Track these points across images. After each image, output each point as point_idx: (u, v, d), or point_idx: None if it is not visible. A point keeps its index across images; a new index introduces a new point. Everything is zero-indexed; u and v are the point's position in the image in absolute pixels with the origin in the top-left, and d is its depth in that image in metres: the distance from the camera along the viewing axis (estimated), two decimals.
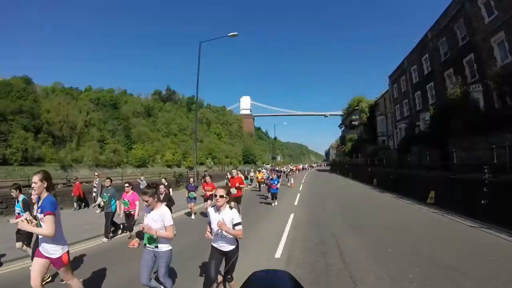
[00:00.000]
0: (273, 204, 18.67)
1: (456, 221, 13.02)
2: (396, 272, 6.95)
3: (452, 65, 28.27)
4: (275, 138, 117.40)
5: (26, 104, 74.58)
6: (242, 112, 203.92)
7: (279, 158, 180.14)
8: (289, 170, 52.91)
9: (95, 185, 19.10)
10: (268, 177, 22.03)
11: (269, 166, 67.36)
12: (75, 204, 18.57)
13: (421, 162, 23.62)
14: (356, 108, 69.60)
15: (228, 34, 24.43)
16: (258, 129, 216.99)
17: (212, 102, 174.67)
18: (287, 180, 27.24)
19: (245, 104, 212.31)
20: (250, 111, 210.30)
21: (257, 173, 32.28)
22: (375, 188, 29.55)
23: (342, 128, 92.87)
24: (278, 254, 8.71)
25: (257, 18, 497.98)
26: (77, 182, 19.85)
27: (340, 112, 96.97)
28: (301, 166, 67.02)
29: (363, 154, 52.49)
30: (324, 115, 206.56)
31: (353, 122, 73.14)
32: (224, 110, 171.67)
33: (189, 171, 61.26)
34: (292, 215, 14.84)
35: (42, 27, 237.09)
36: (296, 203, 19.91)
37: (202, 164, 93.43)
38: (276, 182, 19.03)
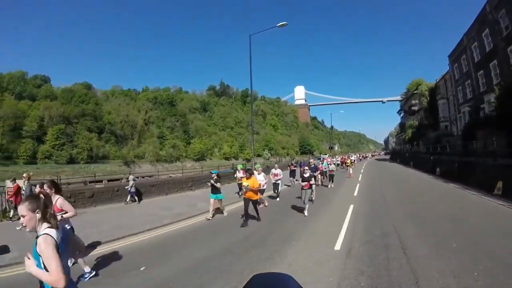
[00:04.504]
0: (305, 214, 12.97)
1: None
2: (460, 268, 6.63)
3: None
4: (332, 127, 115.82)
5: (88, 108, 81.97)
6: (297, 102, 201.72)
7: (336, 148, 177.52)
8: (336, 162, 39.55)
9: (24, 188, 14.14)
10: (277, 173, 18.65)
11: (327, 156, 66.19)
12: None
13: (488, 148, 22.34)
14: (415, 92, 65.94)
15: (277, 24, 24.14)
16: (314, 118, 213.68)
17: (266, 94, 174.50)
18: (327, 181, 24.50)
19: (300, 94, 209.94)
20: (305, 100, 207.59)
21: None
22: (438, 177, 28.19)
23: (401, 114, 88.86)
24: (337, 246, 8.60)
25: (307, 5, 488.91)
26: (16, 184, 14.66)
27: (399, 97, 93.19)
28: (353, 157, 52.92)
29: (425, 142, 49.94)
30: (382, 101, 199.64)
31: (412, 108, 69.24)
32: (279, 101, 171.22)
33: (246, 163, 61.95)
34: (351, 206, 14.54)
35: (98, 34, 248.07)
36: (355, 193, 19.49)
37: (259, 155, 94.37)
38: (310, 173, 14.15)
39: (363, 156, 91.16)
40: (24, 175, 12.53)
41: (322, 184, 23.58)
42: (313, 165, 19.34)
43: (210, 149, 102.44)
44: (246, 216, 11.70)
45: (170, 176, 33.24)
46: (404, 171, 39.08)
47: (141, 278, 7.05)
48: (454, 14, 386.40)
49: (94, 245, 9.77)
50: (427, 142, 46.36)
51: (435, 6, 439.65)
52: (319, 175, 22.99)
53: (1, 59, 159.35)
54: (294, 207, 14.83)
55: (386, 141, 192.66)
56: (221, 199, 13.58)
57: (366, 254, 7.82)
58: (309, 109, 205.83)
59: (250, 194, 11.75)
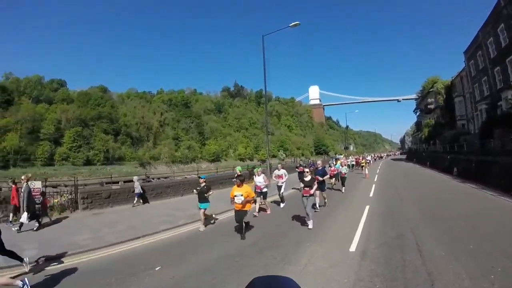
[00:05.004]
0: (309, 226, 10.96)
1: None
2: (477, 271, 6.52)
3: None
4: (347, 127, 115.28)
5: (104, 110, 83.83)
6: (311, 102, 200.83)
7: (351, 148, 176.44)
8: (351, 163, 41.88)
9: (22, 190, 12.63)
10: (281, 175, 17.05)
11: (342, 156, 65.48)
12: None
13: (505, 147, 21.93)
14: (431, 90, 64.77)
15: (289, 24, 24.01)
16: (329, 118, 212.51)
17: (281, 94, 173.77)
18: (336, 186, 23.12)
19: (314, 93, 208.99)
20: (320, 100, 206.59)
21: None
22: (455, 177, 27.74)
23: (417, 113, 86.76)
24: (352, 248, 8.54)
25: (320, 4, 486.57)
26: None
27: (414, 96, 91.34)
28: (369, 158, 56.16)
29: (441, 141, 49.02)
30: (397, 99, 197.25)
31: (428, 106, 68.24)
32: (293, 102, 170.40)
33: (261, 163, 61.99)
34: (367, 207, 14.42)
35: (114, 38, 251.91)
36: (371, 194, 19.33)
37: (274, 156, 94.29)
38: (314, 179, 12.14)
39: (378, 156, 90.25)
40: (23, 177, 12.59)
41: (333, 188, 21.55)
42: (320, 167, 15.72)
43: (225, 150, 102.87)
44: (241, 228, 10.22)
45: (186, 177, 33.43)
46: (420, 171, 38.63)
47: (157, 278, 7.14)
48: (469, 9, 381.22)
49: (110, 244, 9.95)
50: (444, 141, 45.60)
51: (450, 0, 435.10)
52: (332, 179, 22.24)
53: (19, 63, 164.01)
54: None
55: (402, 141, 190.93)
56: (206, 209, 11.87)
57: (382, 255, 7.77)
58: (323, 109, 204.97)
59: (240, 206, 10.18)
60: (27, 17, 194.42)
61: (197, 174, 35.42)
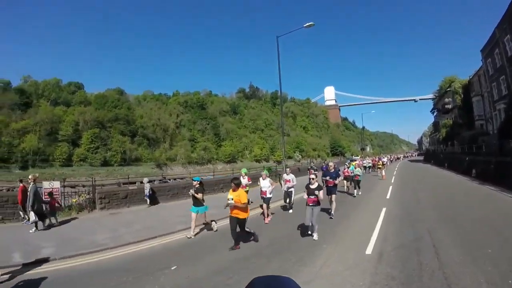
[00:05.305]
0: (314, 237, 9.95)
1: None
2: (495, 275, 6.40)
3: None
4: (363, 128, 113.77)
5: (121, 112, 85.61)
6: (327, 103, 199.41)
7: (368, 149, 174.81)
8: (367, 164, 41.85)
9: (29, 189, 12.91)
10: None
11: (358, 157, 64.74)
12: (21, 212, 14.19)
13: None
14: (448, 89, 63.06)
15: (304, 25, 23.89)
16: (345, 119, 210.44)
17: (296, 95, 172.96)
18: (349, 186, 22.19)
19: (330, 94, 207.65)
20: (335, 101, 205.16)
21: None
22: (473, 179, 27.16)
23: (435, 113, 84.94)
24: (369, 250, 8.48)
25: (334, 5, 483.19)
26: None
27: (431, 96, 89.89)
28: (386, 159, 54.10)
29: (460, 141, 48.05)
30: (414, 100, 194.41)
31: (446, 106, 66.09)
32: (309, 103, 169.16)
33: (277, 164, 61.91)
34: (384, 209, 14.28)
35: (129, 41, 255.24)
36: (388, 196, 19.09)
37: (290, 157, 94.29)
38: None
39: (395, 158, 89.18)
40: (30, 176, 12.80)
41: (348, 192, 20.73)
42: (333, 170, 14.64)
43: (240, 152, 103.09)
44: (234, 236, 9.36)
45: (202, 178, 33.55)
46: (438, 173, 38.02)
47: (172, 277, 7.23)
48: (486, 5, 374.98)
49: (127, 244, 10.14)
50: (462, 142, 44.73)
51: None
52: (345, 181, 21.26)
53: (37, 67, 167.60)
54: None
55: (420, 142, 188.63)
56: (204, 212, 11.55)
57: (398, 258, 7.70)
58: (339, 110, 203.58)
59: (236, 211, 9.35)
60: (47, 23, 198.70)
61: (213, 174, 35.61)
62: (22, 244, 10.14)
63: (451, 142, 56.02)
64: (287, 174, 16.19)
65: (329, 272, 7.06)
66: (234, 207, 9.16)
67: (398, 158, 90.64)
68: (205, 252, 8.69)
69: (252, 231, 9.91)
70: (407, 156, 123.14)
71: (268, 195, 13.42)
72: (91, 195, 17.48)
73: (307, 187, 10.46)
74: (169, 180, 38.56)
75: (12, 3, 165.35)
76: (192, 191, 11.31)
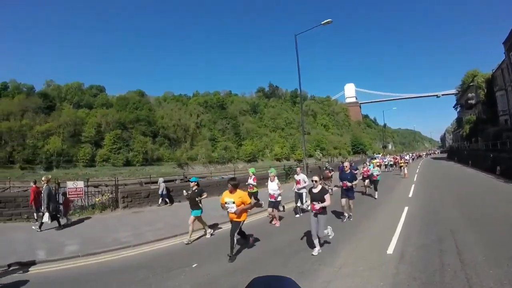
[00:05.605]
0: (314, 252, 8.28)
1: None
2: None
3: None
4: (385, 125, 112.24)
5: (142, 113, 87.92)
6: (347, 100, 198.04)
7: (390, 147, 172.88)
8: (389, 162, 41.72)
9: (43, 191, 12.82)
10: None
11: (380, 155, 63.81)
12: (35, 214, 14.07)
13: None
14: (471, 84, 61.22)
15: (321, 22, 23.63)
16: (366, 116, 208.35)
17: (316, 93, 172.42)
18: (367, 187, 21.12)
19: (350, 91, 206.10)
20: (356, 98, 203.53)
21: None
22: (498, 177, 26.32)
23: (458, 109, 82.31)
24: (390, 250, 8.35)
25: (353, 3, 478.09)
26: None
27: (454, 91, 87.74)
28: (408, 157, 52.71)
29: (484, 138, 46.76)
30: (436, 95, 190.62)
31: (469, 101, 64.08)
32: (329, 100, 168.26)
33: (298, 163, 61.71)
34: (406, 208, 14.01)
35: (150, 43, 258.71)
36: (410, 195, 18.77)
37: (311, 156, 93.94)
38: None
39: (417, 155, 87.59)
40: (43, 178, 13.01)
41: (365, 193, 19.51)
42: (348, 170, 13.13)
43: (261, 151, 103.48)
44: (232, 244, 8.41)
45: (223, 177, 33.73)
46: (461, 171, 37.13)
47: (192, 275, 7.33)
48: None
49: (149, 242, 10.35)
50: (486, 138, 43.52)
51: None
52: (365, 181, 19.96)
53: (59, 72, 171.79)
54: (334, 212, 13.17)
55: (443, 138, 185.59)
56: (199, 216, 10.61)
57: (420, 259, 7.58)
58: (360, 107, 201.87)
59: (233, 215, 8.49)
60: (68, 27, 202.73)
61: (234, 173, 35.61)
62: (45, 242, 10.46)
63: (475, 138, 54.55)
64: (297, 174, 15.12)
65: (349, 271, 7.00)
66: (234, 211, 8.36)
67: (420, 156, 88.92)
68: (224, 251, 8.64)
69: (247, 237, 9.12)
70: (430, 154, 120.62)
71: (277, 199, 12.49)
72: (114, 194, 17.79)
73: (310, 191, 9.11)
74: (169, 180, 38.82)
75: (32, 10, 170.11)
76: (185, 193, 10.94)
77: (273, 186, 12.42)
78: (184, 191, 11.21)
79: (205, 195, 10.66)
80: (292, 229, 11.43)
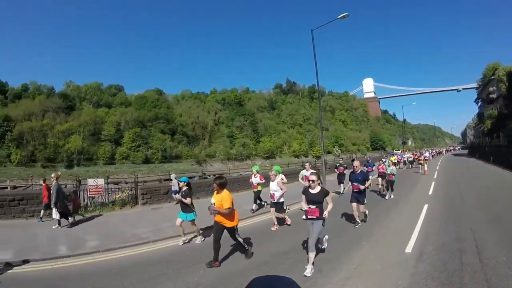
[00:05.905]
0: (306, 272, 6.78)
1: None
2: None
3: None
4: (404, 121, 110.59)
5: (160, 112, 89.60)
6: (366, 95, 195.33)
7: (410, 143, 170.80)
8: (408, 159, 40.99)
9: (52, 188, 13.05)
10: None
11: (399, 151, 62.97)
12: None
13: None
14: (492, 77, 59.72)
15: (338, 16, 23.40)
16: (385, 112, 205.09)
17: (334, 88, 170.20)
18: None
19: (368, 86, 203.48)
20: (374, 93, 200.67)
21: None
22: None
23: (479, 104, 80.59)
24: (409, 249, 8.27)
25: None
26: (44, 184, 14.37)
27: (475, 85, 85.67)
28: (427, 154, 49.10)
29: (506, 133, 45.84)
30: (457, 89, 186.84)
31: (490, 95, 62.68)
32: (347, 96, 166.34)
33: (316, 160, 61.43)
34: (426, 206, 13.84)
35: (166, 42, 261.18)
36: (430, 192, 18.52)
37: (329, 152, 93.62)
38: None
39: (437, 152, 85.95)
40: (53, 175, 13.16)
41: (380, 193, 18.44)
42: (358, 170, 11.47)
43: (279, 147, 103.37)
44: (216, 248, 7.73)
45: (241, 174, 33.78)
46: (482, 167, 36.54)
47: (210, 271, 7.38)
48: None
49: (168, 237, 10.56)
50: (509, 134, 42.53)
51: None
52: (380, 179, 18.73)
53: (79, 72, 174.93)
54: (344, 215, 12.59)
55: (464, 134, 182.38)
56: (193, 220, 9.90)
57: (439, 258, 7.48)
58: (379, 102, 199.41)
59: (220, 218, 7.75)
60: (89, 29, 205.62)
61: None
62: (66, 238, 10.68)
63: (497, 134, 53.39)
64: (307, 170, 14.57)
65: (366, 270, 6.97)
66: (217, 212, 7.61)
67: (440, 153, 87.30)
68: (241, 249, 8.64)
69: (245, 245, 8.33)
70: (450, 150, 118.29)
71: (279, 199, 11.48)
72: (134, 191, 17.98)
73: (305, 192, 7.80)
74: (209, 176, 38.98)
75: (54, 14, 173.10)
76: (178, 196, 10.09)
77: (273, 186, 11.56)
78: (173, 194, 10.74)
79: (188, 200, 9.61)
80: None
